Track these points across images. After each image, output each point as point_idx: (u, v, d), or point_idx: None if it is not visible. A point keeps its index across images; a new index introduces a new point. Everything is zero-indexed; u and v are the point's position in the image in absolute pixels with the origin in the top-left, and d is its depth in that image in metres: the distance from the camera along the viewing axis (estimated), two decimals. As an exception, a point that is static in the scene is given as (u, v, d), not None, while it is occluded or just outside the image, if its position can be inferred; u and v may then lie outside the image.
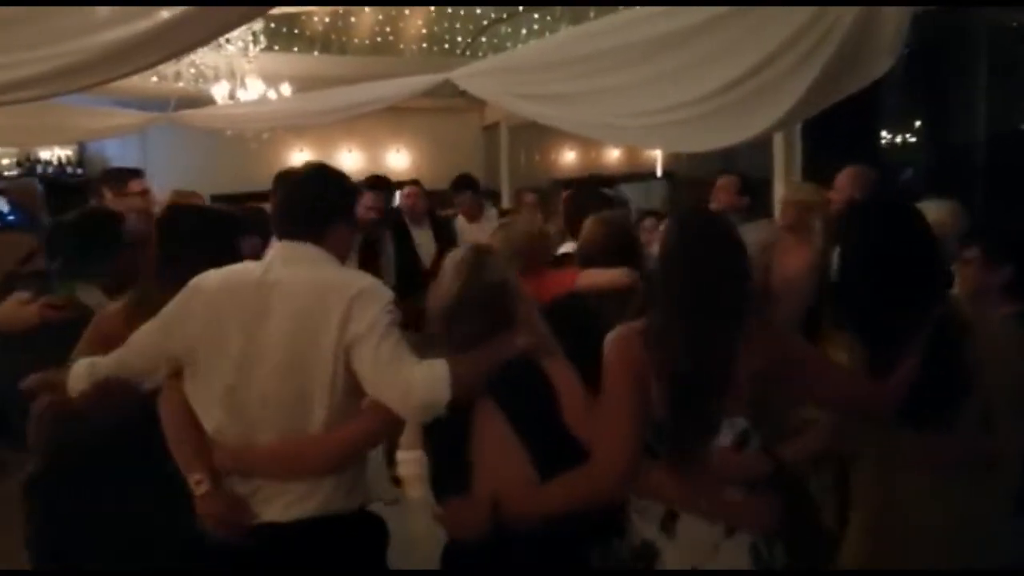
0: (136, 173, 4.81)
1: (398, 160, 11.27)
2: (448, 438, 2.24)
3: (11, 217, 9.32)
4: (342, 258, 2.36)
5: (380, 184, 5.33)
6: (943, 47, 6.38)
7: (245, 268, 2.31)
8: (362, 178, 5.12)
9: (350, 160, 11.10)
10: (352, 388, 2.19)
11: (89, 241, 3.12)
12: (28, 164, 10.02)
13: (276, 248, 2.31)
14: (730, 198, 4.92)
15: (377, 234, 5.29)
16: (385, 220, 5.40)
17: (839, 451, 2.43)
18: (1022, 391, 2.38)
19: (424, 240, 5.73)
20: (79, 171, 10.36)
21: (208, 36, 2.87)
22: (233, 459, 2.22)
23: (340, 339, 2.13)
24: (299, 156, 10.59)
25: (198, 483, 2.20)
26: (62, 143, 9.58)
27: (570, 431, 2.20)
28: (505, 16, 7.58)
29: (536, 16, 7.56)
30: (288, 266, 2.23)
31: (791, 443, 2.26)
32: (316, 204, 2.30)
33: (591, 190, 4.52)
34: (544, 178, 10.97)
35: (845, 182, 4.21)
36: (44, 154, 10.09)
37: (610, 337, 2.19)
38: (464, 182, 6.21)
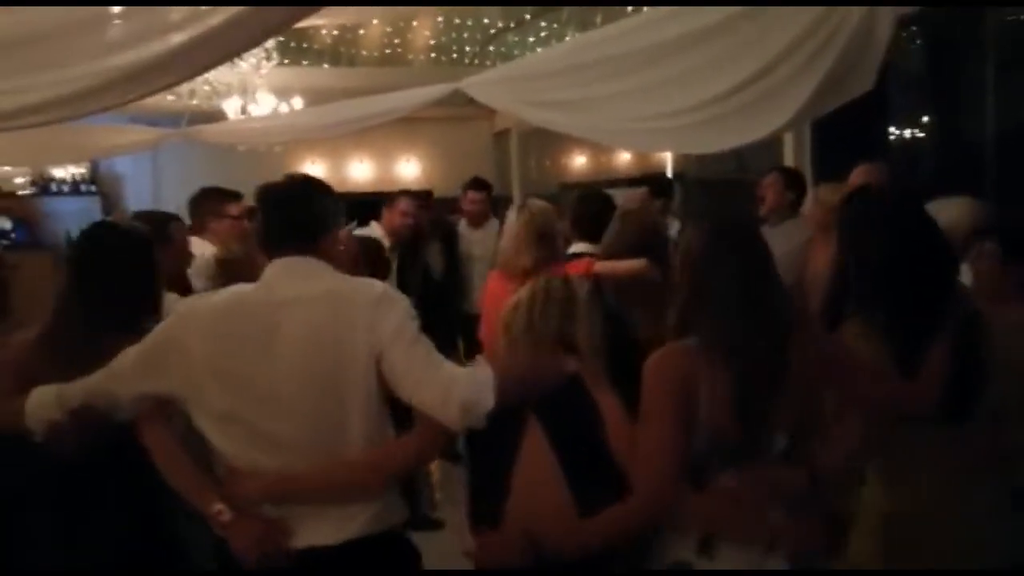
0: (234, 196, 4.57)
1: (409, 169, 11.32)
2: (491, 464, 2.21)
3: (14, 235, 9.47)
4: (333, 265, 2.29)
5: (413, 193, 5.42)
6: (952, 42, 6.36)
7: (243, 291, 2.21)
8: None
9: (361, 170, 11.17)
10: (384, 399, 2.13)
11: None
12: (42, 183, 10.13)
13: (275, 266, 2.19)
14: (778, 196, 4.88)
15: (412, 243, 5.38)
16: (419, 228, 5.50)
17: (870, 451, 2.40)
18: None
19: (432, 252, 5.78)
20: (92, 188, 10.47)
21: (221, 59, 2.87)
22: (271, 488, 2.10)
23: (370, 348, 2.05)
24: (311, 168, 10.65)
25: (219, 513, 2.08)
26: (75, 161, 9.67)
27: (613, 461, 2.14)
28: (513, 25, 7.60)
29: (543, 24, 7.57)
30: (295, 282, 2.14)
31: (824, 449, 2.19)
32: (311, 217, 2.23)
33: (596, 192, 4.56)
34: (555, 183, 10.99)
35: (859, 180, 4.20)
36: (57, 172, 10.20)
37: (654, 357, 2.12)
38: (480, 182, 6.22)
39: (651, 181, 6.56)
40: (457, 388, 2.03)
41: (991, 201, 5.51)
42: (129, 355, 2.17)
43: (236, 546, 2.08)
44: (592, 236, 3.82)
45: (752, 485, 2.06)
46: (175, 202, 7.17)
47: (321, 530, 2.10)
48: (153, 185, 9.89)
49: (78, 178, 10.37)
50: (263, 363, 2.07)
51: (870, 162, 4.30)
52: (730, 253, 2.11)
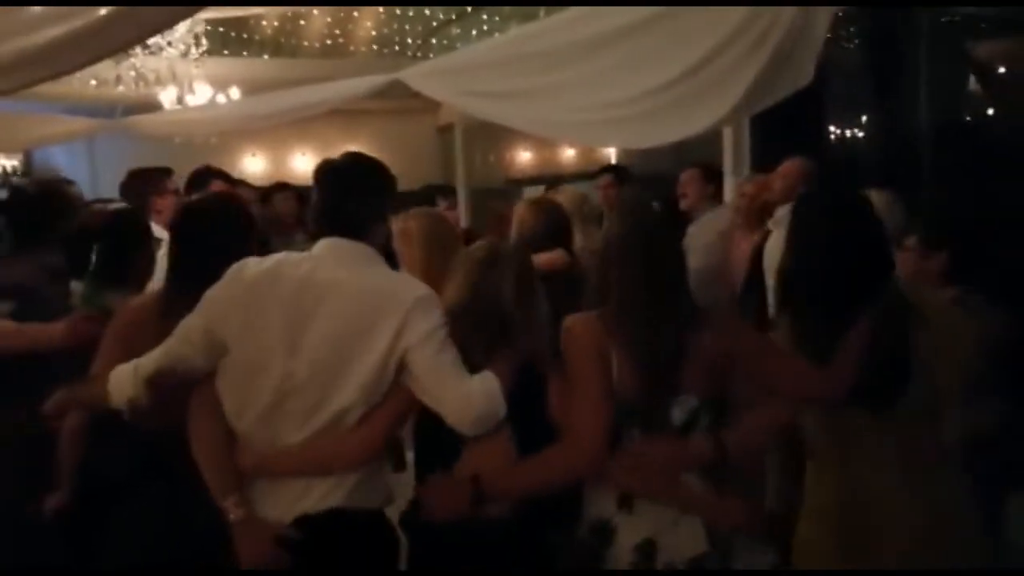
0: (167, 172, 4.66)
1: (353, 163, 11.21)
2: (436, 421, 2.23)
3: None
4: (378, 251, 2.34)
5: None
6: (888, 41, 6.48)
7: (290, 262, 2.24)
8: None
9: (304, 163, 11.02)
10: (385, 392, 2.19)
11: (117, 246, 3.03)
12: (-29, 174, 9.86)
13: (325, 245, 2.24)
14: (698, 189, 5.00)
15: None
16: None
17: (790, 437, 2.44)
18: (969, 377, 2.38)
19: None
20: (26, 181, 10.21)
21: (142, 35, 2.81)
22: (261, 463, 2.20)
23: (393, 346, 2.12)
24: (252, 160, 10.51)
25: (235, 506, 2.16)
26: (7, 152, 9.43)
27: (554, 425, 2.27)
28: (454, 17, 7.57)
29: (485, 17, 7.55)
30: (339, 266, 2.20)
31: (737, 428, 2.31)
32: (369, 201, 2.28)
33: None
34: (501, 179, 10.98)
35: (791, 172, 4.24)
36: (-14, 164, 9.94)
37: (570, 323, 2.30)
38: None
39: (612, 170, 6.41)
40: (475, 405, 2.13)
41: (926, 193, 5.66)
42: (191, 316, 2.23)
43: (241, 547, 2.15)
44: None
45: (659, 449, 2.23)
46: (113, 194, 7.05)
47: (307, 498, 2.17)
48: (90, 178, 9.64)
49: (10, 170, 10.09)
50: (292, 340, 2.14)
51: (804, 158, 4.36)
52: (640, 244, 2.30)
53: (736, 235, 4.52)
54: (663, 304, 2.24)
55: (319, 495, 2.17)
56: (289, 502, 2.18)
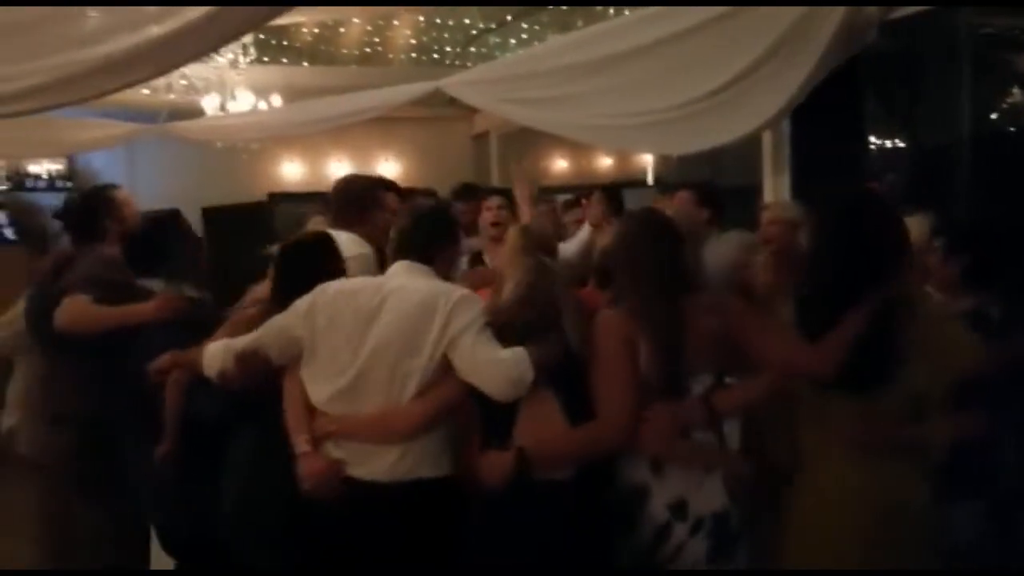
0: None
1: (388, 170, 11.24)
2: (501, 416, 2.65)
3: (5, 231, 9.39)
4: (447, 272, 2.96)
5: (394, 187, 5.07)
6: (925, 52, 6.45)
7: (368, 280, 2.88)
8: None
9: (340, 170, 11.09)
10: (438, 371, 2.65)
11: (182, 246, 3.65)
12: (17, 178, 10.00)
13: (397, 265, 2.85)
14: (688, 212, 4.36)
15: None
16: None
17: (773, 408, 2.69)
18: (955, 384, 2.54)
19: None
20: (68, 184, 10.35)
21: (199, 52, 2.87)
22: (335, 425, 2.69)
23: (441, 335, 2.62)
24: (289, 167, 10.59)
25: (304, 442, 2.69)
26: (50, 156, 9.55)
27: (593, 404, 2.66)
28: (494, 26, 7.60)
29: (524, 26, 7.58)
30: (404, 278, 2.78)
31: (725, 393, 2.69)
32: (428, 233, 2.89)
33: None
34: (535, 187, 10.97)
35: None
36: (33, 168, 10.07)
37: (602, 320, 2.71)
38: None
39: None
40: (505, 372, 2.57)
41: (963, 204, 5.63)
42: (278, 317, 2.81)
43: (301, 472, 2.67)
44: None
45: (661, 409, 2.60)
46: (150, 198, 7.14)
47: (377, 466, 2.65)
48: (128, 181, 9.77)
49: (54, 174, 10.24)
50: (361, 332, 2.66)
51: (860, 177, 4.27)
52: (651, 243, 2.71)
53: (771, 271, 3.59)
54: (672, 295, 2.63)
55: (391, 461, 2.64)
56: (360, 465, 2.67)
